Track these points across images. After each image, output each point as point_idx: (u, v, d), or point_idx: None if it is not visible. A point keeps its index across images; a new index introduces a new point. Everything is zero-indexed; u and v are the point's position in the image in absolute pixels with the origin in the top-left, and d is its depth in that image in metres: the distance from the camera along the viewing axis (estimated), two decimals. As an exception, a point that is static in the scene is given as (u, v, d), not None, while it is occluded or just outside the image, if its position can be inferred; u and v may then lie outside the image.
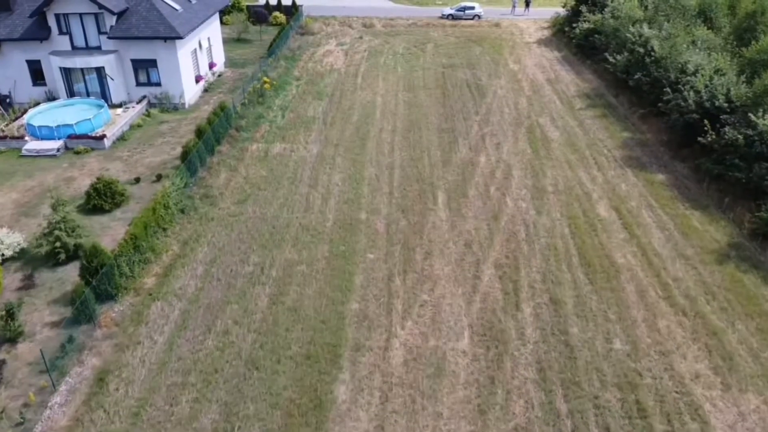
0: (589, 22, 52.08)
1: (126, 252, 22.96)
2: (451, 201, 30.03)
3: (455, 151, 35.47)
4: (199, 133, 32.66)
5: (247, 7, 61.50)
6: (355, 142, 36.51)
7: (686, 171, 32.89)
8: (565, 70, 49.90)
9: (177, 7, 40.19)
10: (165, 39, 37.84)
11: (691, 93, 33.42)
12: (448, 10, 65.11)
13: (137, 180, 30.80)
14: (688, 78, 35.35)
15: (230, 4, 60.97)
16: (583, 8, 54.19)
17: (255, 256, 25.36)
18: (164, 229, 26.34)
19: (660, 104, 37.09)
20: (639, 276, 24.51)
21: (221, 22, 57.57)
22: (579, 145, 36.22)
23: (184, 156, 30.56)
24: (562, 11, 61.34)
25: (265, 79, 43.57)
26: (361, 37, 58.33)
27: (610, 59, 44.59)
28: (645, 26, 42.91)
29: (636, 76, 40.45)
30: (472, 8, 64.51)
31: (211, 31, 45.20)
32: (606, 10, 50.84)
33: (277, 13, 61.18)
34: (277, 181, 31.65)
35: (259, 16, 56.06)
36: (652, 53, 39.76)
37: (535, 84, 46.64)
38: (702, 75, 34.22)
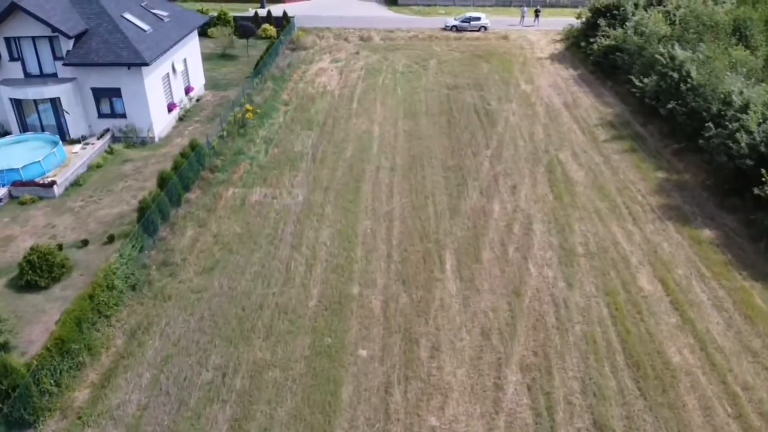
0: (609, 38, 46.66)
1: (49, 364, 17.65)
2: (462, 267, 24.70)
3: (464, 195, 30.14)
4: (162, 182, 27.30)
5: (234, 18, 56.11)
6: (348, 184, 31.18)
7: (737, 226, 27.51)
8: (583, 91, 44.48)
9: (145, 27, 34.83)
10: (129, 66, 32.47)
11: (743, 135, 28.02)
12: (451, 21, 59.67)
13: (85, 243, 25.47)
14: (736, 113, 29.98)
15: (216, 16, 55.63)
16: (602, 22, 48.75)
17: (217, 355, 20.02)
18: (107, 317, 21.01)
19: (701, 141, 31.73)
20: (701, 383, 19.18)
21: (205, 35, 52.38)
22: (608, 189, 30.87)
23: (141, 214, 25.21)
24: (575, 22, 55.97)
25: (248, 106, 38.19)
26: (357, 53, 52.92)
27: (637, 83, 39.23)
28: (677, 47, 37.49)
29: (669, 106, 35.03)
30: (478, 19, 59.10)
31: (188, 52, 39.84)
32: (628, 24, 45.45)
33: (266, 26, 55.78)
34: (253, 240, 26.31)
35: (245, 30, 50.60)
36: (689, 80, 34.37)
37: (551, 109, 41.25)
38: (753, 112, 28.84)
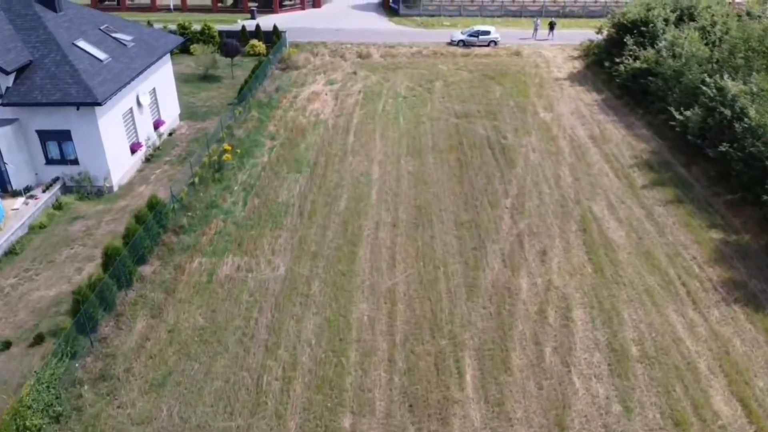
0: (638, 59, 40.87)
1: None
2: (487, 379, 19.04)
3: (483, 265, 24.48)
4: (108, 259, 21.61)
5: (220, 34, 50.33)
6: (341, 248, 25.50)
7: (826, 311, 21.84)
8: (611, 121, 38.72)
9: (101, 56, 29.12)
10: (78, 105, 26.77)
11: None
12: (458, 36, 53.85)
13: (7, 345, 19.81)
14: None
15: (199, 30, 49.89)
16: (628, 40, 42.94)
17: None
18: (9, 477, 15.35)
19: (765, 196, 26.04)
20: None
21: (188, 52, 46.71)
22: (656, 256, 25.18)
23: (75, 308, 19.53)
24: (593, 36, 50.26)
25: (226, 146, 32.45)
26: (355, 73, 47.15)
27: (677, 115, 33.51)
28: (726, 78, 31.74)
29: (722, 148, 29.28)
30: (487, 33, 53.28)
31: (159, 80, 34.11)
32: (659, 44, 39.66)
33: (254, 42, 49.98)
34: (218, 337, 20.61)
35: (229, 48, 44.72)
36: (745, 119, 28.64)
37: (577, 144, 35.53)
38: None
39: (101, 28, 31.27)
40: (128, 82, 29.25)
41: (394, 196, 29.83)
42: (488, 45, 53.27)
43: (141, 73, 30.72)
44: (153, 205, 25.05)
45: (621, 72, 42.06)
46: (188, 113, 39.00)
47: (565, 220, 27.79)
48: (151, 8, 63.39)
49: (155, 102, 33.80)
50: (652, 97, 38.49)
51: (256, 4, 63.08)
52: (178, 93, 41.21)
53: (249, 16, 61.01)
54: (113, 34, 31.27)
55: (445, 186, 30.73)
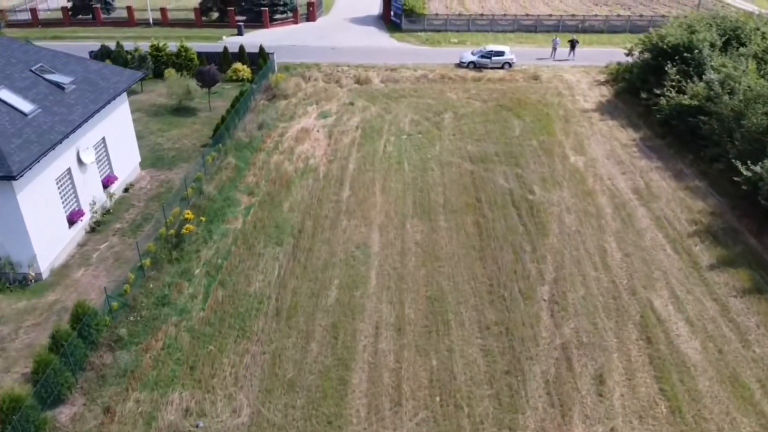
0: (684, 92, 34.19)
1: None
2: None
3: (522, 402, 17.94)
4: (4, 415, 14.99)
5: (198, 56, 43.60)
6: (327, 373, 18.94)
7: None
8: (655, 168, 32.07)
9: (26, 108, 22.48)
10: (-17, 178, 20.14)
11: None
12: (468, 56, 47.06)
13: None
14: None
15: (176, 51, 43.19)
16: (670, 68, 36.23)
17: None
18: None
19: None
20: None
21: (162, 77, 40.14)
22: (746, 384, 18.64)
23: None
24: (619, 54, 43.76)
25: (188, 212, 25.76)
26: (352, 103, 40.42)
27: (743, 170, 26.83)
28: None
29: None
30: (501, 54, 46.51)
31: (110, 127, 27.44)
32: (711, 76, 32.98)
33: (238, 66, 43.21)
34: None
35: (205, 77, 37.83)
36: None
37: (619, 201, 28.90)
38: None
39: (33, 69, 24.59)
40: (62, 140, 22.58)
41: (399, 279, 23.23)
42: (502, 67, 46.55)
43: (82, 124, 24.03)
44: (78, 316, 18.40)
45: (662, 106, 35.36)
46: (152, 158, 32.32)
47: (621, 321, 21.17)
48: (129, 23, 56.68)
49: (105, 155, 27.15)
50: (705, 141, 31.81)
51: (244, 19, 56.32)
52: (145, 130, 34.82)
53: (236, 31, 54.19)
54: (47, 76, 24.62)
55: (463, 264, 24.11)
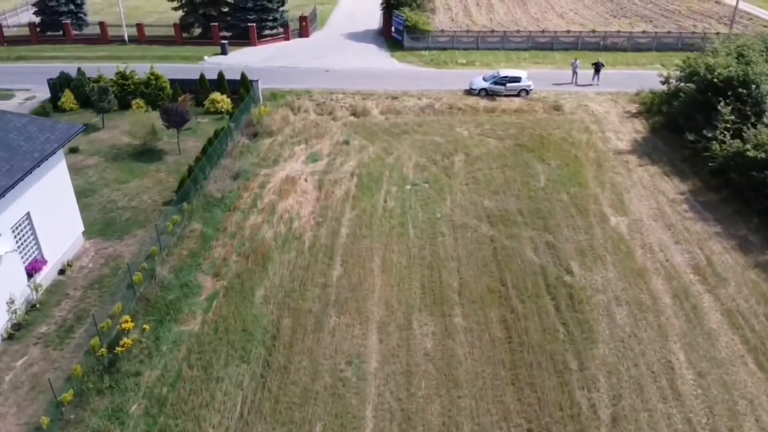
0: (744, 139, 27.82)
1: None
2: None
3: None
4: None
5: (171, 84, 37.13)
6: None
7: None
8: (714, 235, 25.68)
9: None
10: None
11: None
12: (480, 82, 40.58)
13: None
14: None
15: (145, 80, 36.77)
16: (723, 107, 29.84)
17: None
18: None
19: None
20: None
21: (128, 107, 33.87)
22: None
23: None
24: (655, 82, 37.38)
25: (126, 320, 19.34)
26: (347, 141, 34.02)
27: None
28: None
29: None
30: (517, 80, 40.03)
31: (38, 199, 21.04)
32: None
33: (216, 96, 36.72)
34: None
35: (171, 117, 30.98)
36: None
37: (679, 286, 22.57)
38: None
39: None
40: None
41: (405, 421, 16.95)
42: (518, 95, 40.12)
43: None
44: None
45: (715, 152, 28.99)
46: (102, 223, 25.95)
47: (714, 501, 14.79)
48: (102, 39, 50.22)
49: (31, 235, 20.79)
50: (776, 201, 25.48)
51: (230, 35, 49.86)
52: (99, 181, 29.04)
53: (219, 50, 47.72)
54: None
55: (490, 394, 17.86)
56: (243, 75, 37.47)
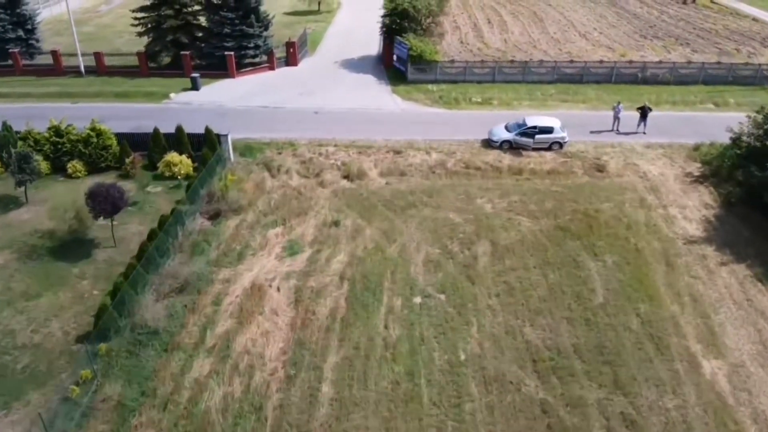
0: None
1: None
2: None
3: None
4: None
5: (118, 140, 28.63)
6: None
7: None
8: None
9: None
10: None
11: None
12: (502, 133, 32.08)
13: None
14: None
15: (84, 135, 28.31)
16: None
17: None
18: None
19: None
20: None
21: (63, 171, 25.54)
22: None
23: None
24: (712, 127, 29.30)
25: None
26: (336, 222, 25.57)
27: None
28: None
29: None
30: (549, 131, 31.51)
31: None
32: None
33: (173, 157, 28.12)
34: None
35: (99, 203, 21.80)
36: None
37: None
38: None
39: None
40: None
41: None
42: (549, 148, 31.65)
43: None
44: None
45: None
46: (-17, 378, 17.54)
47: None
48: (56, 70, 41.73)
49: None
50: None
51: (204, 65, 41.36)
52: (5, 290, 21.13)
53: (190, 84, 39.19)
54: None
55: None
56: (207, 130, 28.93)
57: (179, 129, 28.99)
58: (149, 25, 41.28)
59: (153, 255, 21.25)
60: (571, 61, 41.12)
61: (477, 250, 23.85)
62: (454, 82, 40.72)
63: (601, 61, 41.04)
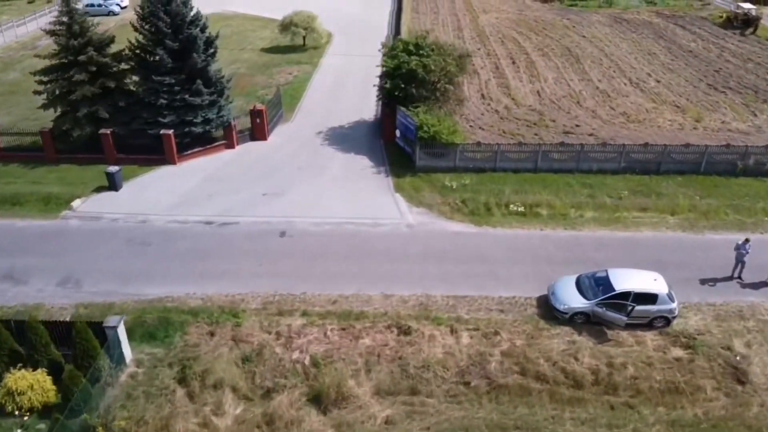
0: None
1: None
2: None
3: None
4: None
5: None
6: None
7: None
8: None
9: None
10: None
11: None
12: (572, 296, 19.26)
13: None
14: None
15: None
16: None
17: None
18: None
19: None
20: None
21: None
22: None
23: None
24: None
25: None
26: None
27: None
28: None
29: None
30: (651, 299, 18.56)
31: None
32: None
33: (18, 376, 15.17)
34: None
35: None
36: None
37: None
38: None
39: None
40: None
41: None
42: (649, 325, 18.59)
43: None
44: None
45: None
46: None
47: None
48: (-70, 152, 28.65)
49: None
50: None
51: (133, 146, 28.31)
52: None
53: (106, 179, 26.18)
54: None
55: None
56: (76, 324, 15.87)
57: (31, 323, 15.92)
58: (56, 92, 28.20)
59: None
60: (646, 145, 27.93)
61: None
62: (481, 171, 27.76)
63: (688, 145, 27.84)
